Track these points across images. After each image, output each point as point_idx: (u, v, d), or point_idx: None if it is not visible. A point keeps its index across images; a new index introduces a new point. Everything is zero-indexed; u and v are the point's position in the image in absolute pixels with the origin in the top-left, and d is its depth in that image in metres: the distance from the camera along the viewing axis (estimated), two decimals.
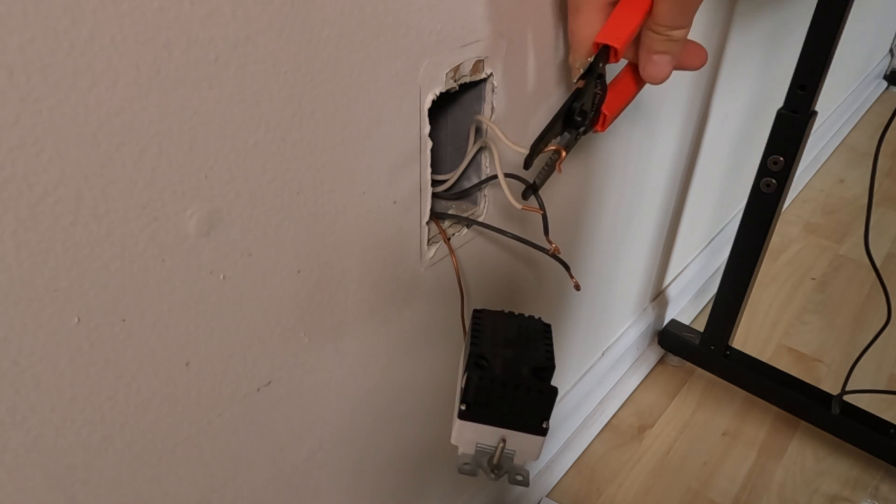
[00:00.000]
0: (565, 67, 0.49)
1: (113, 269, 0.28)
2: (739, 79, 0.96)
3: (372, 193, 0.39)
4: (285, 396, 0.41)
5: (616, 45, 0.37)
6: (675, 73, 0.41)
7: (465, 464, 0.38)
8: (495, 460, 0.37)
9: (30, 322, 0.27)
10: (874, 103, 2.02)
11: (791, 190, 1.27)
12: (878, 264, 0.82)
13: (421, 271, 0.47)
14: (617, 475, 0.93)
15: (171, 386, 0.34)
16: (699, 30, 0.75)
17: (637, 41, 0.39)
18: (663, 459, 0.95)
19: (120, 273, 0.29)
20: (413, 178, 0.42)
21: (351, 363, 0.46)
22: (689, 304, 1.18)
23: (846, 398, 0.92)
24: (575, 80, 0.39)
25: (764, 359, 1.03)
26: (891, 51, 2.10)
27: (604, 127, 0.42)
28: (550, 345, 0.38)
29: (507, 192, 0.41)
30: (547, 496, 0.89)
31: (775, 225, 0.88)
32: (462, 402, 0.36)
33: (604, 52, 0.38)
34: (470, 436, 0.37)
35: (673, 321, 1.10)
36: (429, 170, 0.43)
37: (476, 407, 0.36)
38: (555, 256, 0.43)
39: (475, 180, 0.48)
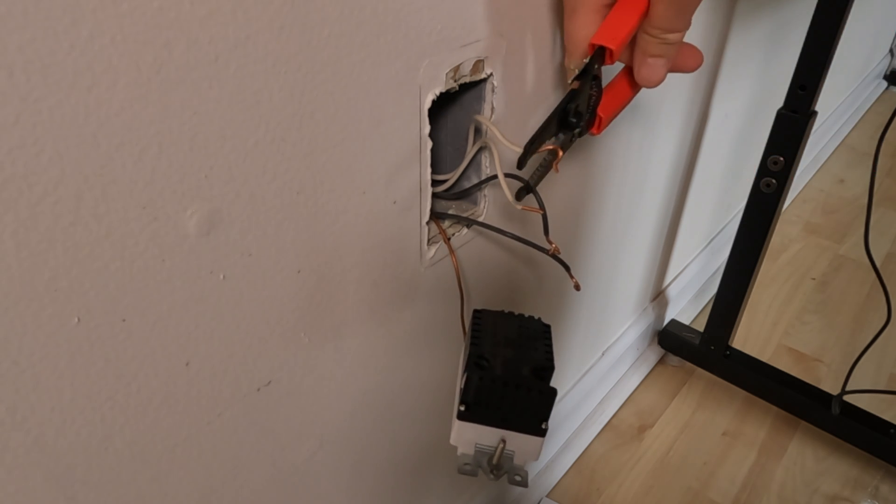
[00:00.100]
0: (564, 68, 0.49)
1: (113, 269, 0.28)
2: (739, 79, 0.96)
3: (372, 193, 0.39)
4: (285, 396, 0.41)
5: (611, 47, 0.37)
6: (674, 73, 0.41)
7: (465, 464, 0.38)
8: (495, 461, 0.37)
9: (30, 322, 0.27)
10: (874, 103, 2.02)
11: (791, 190, 1.27)
12: (878, 264, 0.82)
13: (421, 271, 0.47)
14: (617, 475, 0.93)
15: (171, 386, 0.34)
16: (699, 30, 0.75)
17: (633, 44, 0.39)
18: (663, 459, 0.95)
19: (120, 273, 0.29)
20: (413, 178, 0.42)
21: (351, 363, 0.46)
22: (689, 304, 1.18)
23: (846, 398, 0.92)
24: (570, 81, 0.39)
25: (764, 359, 1.03)
26: (891, 51, 2.10)
27: (599, 130, 0.42)
28: (550, 345, 0.38)
29: (507, 192, 0.41)
30: (547, 496, 0.89)
31: (775, 225, 0.88)
32: (462, 402, 0.36)
33: (599, 54, 0.38)
34: (469, 436, 0.37)
35: (673, 321, 1.10)
36: (429, 170, 0.43)
37: (475, 407, 0.36)
38: (555, 257, 0.43)
39: (475, 180, 0.48)
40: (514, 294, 0.63)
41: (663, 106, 0.77)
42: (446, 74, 0.40)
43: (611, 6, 0.38)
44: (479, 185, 0.47)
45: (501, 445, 0.37)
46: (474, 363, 0.36)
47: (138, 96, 0.26)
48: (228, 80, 0.29)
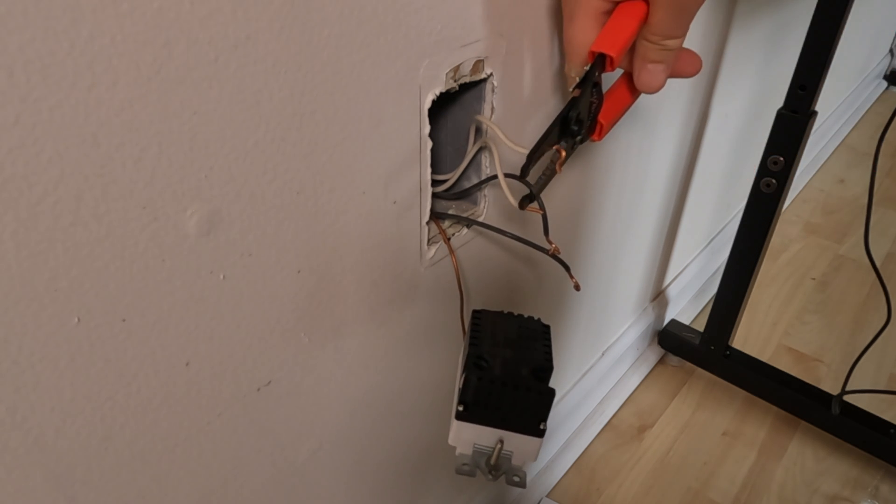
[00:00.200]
0: (564, 74, 0.49)
1: (113, 269, 0.28)
2: (739, 79, 0.96)
3: (372, 193, 0.39)
4: (285, 396, 0.41)
5: (612, 54, 0.37)
6: (673, 79, 0.41)
7: (463, 464, 0.38)
8: (493, 461, 0.37)
9: (30, 322, 0.27)
10: (874, 103, 2.01)
11: (791, 190, 1.27)
12: (878, 264, 0.82)
13: (421, 271, 0.47)
14: (617, 475, 0.93)
15: (171, 386, 0.34)
16: (699, 30, 0.75)
17: (632, 50, 0.39)
18: (663, 459, 0.95)
19: (120, 273, 0.29)
20: (413, 178, 0.42)
21: (351, 363, 0.46)
22: (689, 304, 1.18)
23: (846, 398, 0.92)
24: (571, 89, 0.39)
25: (764, 359, 1.03)
26: (891, 51, 2.10)
27: (600, 136, 0.42)
28: (549, 346, 0.38)
29: (507, 192, 0.41)
30: (547, 496, 0.89)
31: (775, 225, 0.88)
32: (460, 402, 0.36)
33: (599, 61, 0.38)
34: (468, 436, 0.37)
35: (673, 321, 1.10)
36: (429, 170, 0.43)
37: (474, 408, 0.36)
38: (555, 257, 0.43)
39: (475, 180, 0.48)
40: (514, 294, 0.63)
41: (663, 106, 0.77)
42: (446, 74, 0.40)
43: (609, 13, 0.38)
44: (479, 185, 0.47)
45: (499, 446, 0.37)
46: (473, 363, 0.36)
47: (138, 96, 0.26)
48: (228, 80, 0.29)
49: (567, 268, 0.45)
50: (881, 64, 2.07)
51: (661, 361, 1.11)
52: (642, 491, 0.91)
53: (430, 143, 0.41)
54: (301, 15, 0.30)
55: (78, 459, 0.31)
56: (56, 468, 0.31)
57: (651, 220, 0.91)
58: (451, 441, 0.38)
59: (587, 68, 0.38)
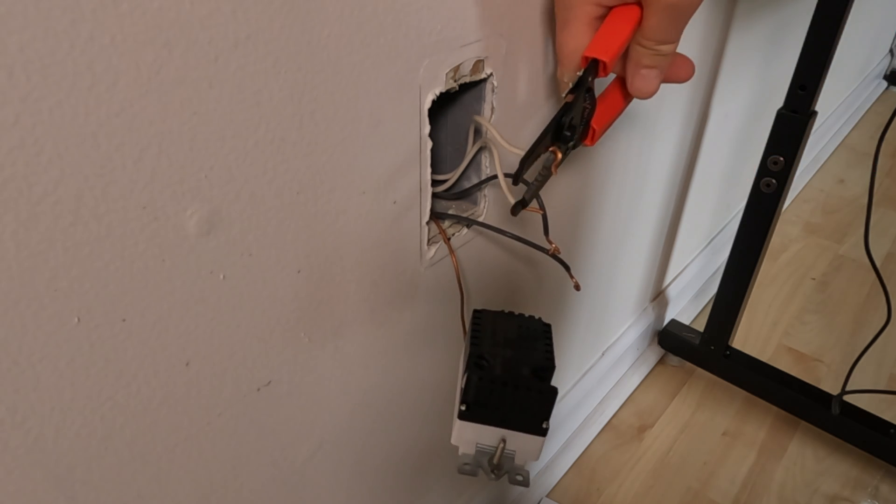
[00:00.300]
0: (557, 79, 0.49)
1: (113, 269, 0.28)
2: (739, 79, 0.96)
3: (372, 193, 0.39)
4: (285, 396, 0.41)
5: (605, 60, 0.37)
6: (666, 83, 0.41)
7: (466, 464, 0.38)
8: (495, 460, 0.37)
9: (30, 322, 0.27)
10: (874, 103, 2.01)
11: (791, 190, 1.27)
12: (878, 264, 0.82)
13: (421, 271, 0.47)
14: (617, 475, 0.93)
15: (171, 386, 0.34)
16: (699, 31, 0.75)
17: (625, 55, 0.39)
18: (663, 459, 0.95)
19: (120, 273, 0.29)
20: (413, 178, 0.42)
21: (351, 363, 0.46)
22: (689, 304, 1.18)
23: (846, 398, 0.92)
24: (564, 95, 0.39)
25: (764, 359, 1.03)
26: (891, 51, 2.10)
27: (593, 141, 0.42)
28: (550, 345, 0.38)
29: (507, 192, 0.41)
30: (547, 496, 0.89)
31: (775, 225, 0.88)
32: (462, 402, 0.36)
33: (593, 67, 0.38)
34: (470, 436, 0.37)
35: (673, 321, 1.10)
36: (429, 170, 0.43)
37: (476, 407, 0.36)
38: (555, 257, 0.43)
39: (475, 180, 0.48)
40: (514, 294, 0.63)
41: (663, 106, 0.77)
42: (446, 74, 0.40)
43: (603, 18, 0.38)
44: (479, 185, 0.47)
45: (502, 445, 0.37)
46: (474, 363, 0.36)
47: (138, 96, 0.26)
48: (228, 80, 0.29)
49: (567, 268, 0.45)
50: (881, 64, 2.07)
51: (661, 361, 1.11)
52: (642, 491, 0.91)
53: (430, 143, 0.41)
54: (301, 15, 0.30)
55: (78, 459, 0.31)
56: (56, 468, 0.31)
57: (651, 220, 0.91)
58: (453, 441, 0.38)
59: (580, 74, 0.38)
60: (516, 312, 0.41)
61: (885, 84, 2.09)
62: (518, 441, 0.37)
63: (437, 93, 0.40)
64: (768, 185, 0.83)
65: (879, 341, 0.85)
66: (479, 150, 0.46)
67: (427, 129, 0.41)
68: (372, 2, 0.33)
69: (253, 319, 0.36)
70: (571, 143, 0.40)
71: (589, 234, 0.73)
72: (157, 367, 0.33)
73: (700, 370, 1.07)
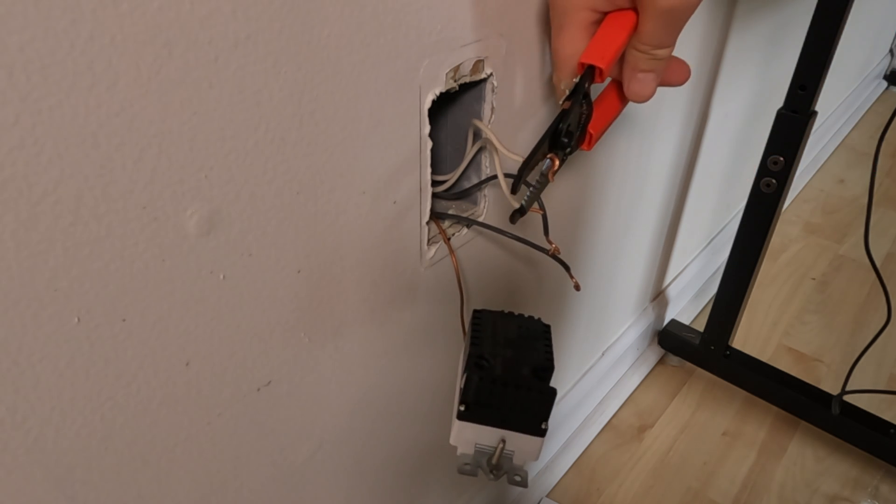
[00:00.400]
0: (553, 85, 0.49)
1: (113, 269, 0.28)
2: (739, 79, 0.96)
3: (372, 193, 0.39)
4: (285, 396, 0.41)
5: (601, 66, 0.37)
6: (662, 87, 0.41)
7: (465, 464, 0.38)
8: (494, 461, 0.37)
9: (30, 322, 0.27)
10: (874, 103, 2.02)
11: (791, 190, 1.27)
12: (878, 264, 0.82)
13: (421, 271, 0.47)
14: (617, 475, 0.93)
15: (171, 386, 0.34)
16: (699, 31, 0.75)
17: (621, 59, 0.39)
18: (663, 459, 0.95)
19: (120, 273, 0.29)
20: (413, 178, 0.42)
21: (351, 363, 0.46)
22: (689, 304, 1.18)
23: (846, 398, 0.92)
24: (561, 102, 0.39)
25: (764, 359, 1.03)
26: (891, 51, 2.10)
27: (590, 146, 0.42)
28: (550, 345, 0.38)
29: (507, 192, 0.41)
30: (547, 496, 0.89)
31: (775, 225, 0.88)
32: (461, 402, 0.36)
33: (589, 73, 0.38)
34: (469, 436, 0.37)
35: (673, 321, 1.10)
36: (429, 170, 0.43)
37: (475, 407, 0.36)
38: (555, 257, 0.43)
39: (475, 180, 0.48)
40: (514, 294, 0.63)
41: (663, 107, 0.77)
42: (446, 74, 0.40)
43: (598, 23, 0.38)
44: (479, 185, 0.47)
45: (501, 445, 0.37)
46: (474, 363, 0.36)
47: (138, 96, 0.26)
48: (228, 80, 0.29)
49: (567, 268, 0.45)
50: (881, 64, 2.07)
51: (661, 361, 1.11)
52: (642, 491, 0.91)
53: (430, 143, 0.41)
54: (301, 15, 0.30)
55: (78, 459, 0.31)
56: (56, 468, 0.31)
57: (651, 220, 0.91)
58: (452, 441, 0.38)
59: (576, 80, 0.38)
60: (516, 312, 0.41)
61: (885, 84, 2.09)
62: (517, 441, 0.37)
63: (437, 93, 0.40)
64: (768, 185, 0.83)
65: (879, 341, 0.85)
66: (479, 150, 0.46)
67: (427, 129, 0.41)
68: (372, 2, 0.33)
69: (253, 319, 0.36)
70: (568, 150, 0.40)
71: (589, 235, 0.73)
72: (157, 367, 0.33)
73: (700, 370, 1.07)
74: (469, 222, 0.49)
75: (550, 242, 0.42)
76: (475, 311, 0.40)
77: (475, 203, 0.50)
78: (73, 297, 0.28)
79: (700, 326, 1.04)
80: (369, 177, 0.39)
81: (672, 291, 1.13)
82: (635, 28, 0.37)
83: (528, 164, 0.37)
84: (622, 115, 0.45)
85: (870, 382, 1.07)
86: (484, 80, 0.43)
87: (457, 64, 0.40)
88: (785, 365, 1.07)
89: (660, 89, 0.41)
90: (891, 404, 1.02)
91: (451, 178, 0.46)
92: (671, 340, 1.08)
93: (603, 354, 0.98)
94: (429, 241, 0.46)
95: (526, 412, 0.36)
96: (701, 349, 1.03)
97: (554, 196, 0.61)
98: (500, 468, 0.38)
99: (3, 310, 0.26)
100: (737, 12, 0.83)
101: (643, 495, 0.91)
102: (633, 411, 1.02)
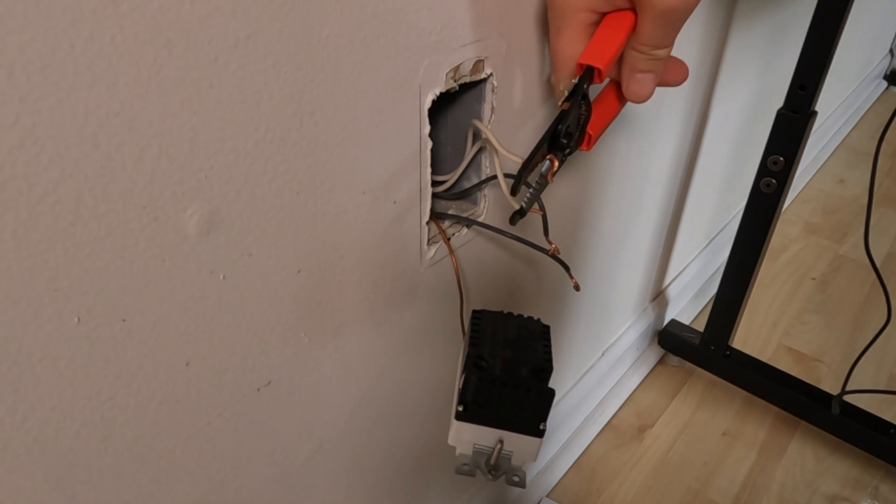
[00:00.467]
0: (552, 85, 0.49)
1: (113, 269, 0.28)
2: (739, 79, 0.96)
3: (372, 193, 0.39)
4: (285, 396, 0.41)
5: (600, 67, 0.37)
6: (660, 87, 0.41)
7: (463, 464, 0.38)
8: (492, 461, 0.37)
9: (30, 322, 0.27)
10: (874, 103, 2.02)
11: (791, 190, 1.27)
12: (878, 264, 0.82)
13: (421, 271, 0.47)
14: (617, 475, 0.93)
15: (171, 386, 0.34)
16: (699, 31, 0.75)
17: (620, 60, 0.39)
18: (663, 459, 0.95)
19: (120, 273, 0.29)
20: (413, 179, 0.42)
21: (351, 363, 0.46)
22: (689, 304, 1.18)
23: (846, 398, 0.92)
24: (560, 103, 0.39)
25: (764, 359, 1.03)
26: (891, 51, 2.10)
27: (589, 146, 0.42)
28: (549, 346, 0.38)
29: (507, 193, 0.41)
30: (547, 496, 0.89)
31: (775, 225, 0.88)
32: (460, 402, 0.36)
33: (588, 74, 0.38)
34: (467, 437, 0.37)
35: (673, 321, 1.10)
36: (429, 170, 0.43)
37: (474, 408, 0.36)
38: (554, 257, 0.43)
39: (475, 180, 0.48)
40: (514, 294, 0.63)
41: (663, 107, 0.77)
42: (446, 74, 0.40)
43: (597, 24, 0.38)
44: (479, 185, 0.47)
45: (499, 446, 0.37)
46: (473, 364, 0.36)
47: (138, 96, 0.26)
48: (228, 80, 0.29)
49: (567, 268, 0.45)
50: (881, 64, 2.07)
51: (661, 361, 1.11)
52: (642, 491, 0.91)
53: (430, 143, 0.41)
54: (301, 15, 0.30)
55: (78, 459, 0.31)
56: (56, 468, 0.31)
57: (651, 220, 0.91)
58: (450, 441, 0.38)
59: (575, 81, 0.38)
60: (516, 313, 0.41)
61: (885, 84, 2.09)
62: (515, 442, 0.37)
63: (437, 93, 0.40)
64: (768, 185, 0.83)
65: (879, 341, 0.85)
66: (479, 150, 0.46)
67: (427, 129, 0.41)
68: (372, 2, 0.33)
69: (253, 319, 0.36)
70: (568, 151, 0.40)
71: (589, 235, 0.73)
72: (157, 367, 0.33)
73: (700, 370, 1.07)
74: (469, 222, 0.49)
75: (550, 243, 0.42)
76: (475, 312, 0.40)
77: (475, 203, 0.50)
78: (73, 297, 0.28)
79: (700, 326, 1.04)
80: (369, 177, 0.39)
81: (672, 291, 1.13)
82: (634, 29, 0.37)
83: (528, 165, 0.38)
84: (622, 116, 0.45)
85: (870, 382, 1.07)
86: (484, 80, 0.43)
87: (457, 64, 0.40)
88: (785, 365, 1.07)
89: (659, 89, 0.41)
90: (891, 404, 1.02)
91: (451, 178, 0.46)
92: (671, 340, 1.08)
93: (603, 354, 0.98)
94: (429, 241, 0.46)
95: (524, 413, 0.36)
96: (701, 349, 1.03)
97: (554, 196, 0.61)
98: (498, 469, 0.38)
99: (3, 310, 0.26)
100: (737, 12, 0.83)
101: (643, 495, 0.91)
102: (633, 411, 1.02)
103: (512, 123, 0.48)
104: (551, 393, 0.36)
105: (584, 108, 0.40)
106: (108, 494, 0.34)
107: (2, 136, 0.23)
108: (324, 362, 0.43)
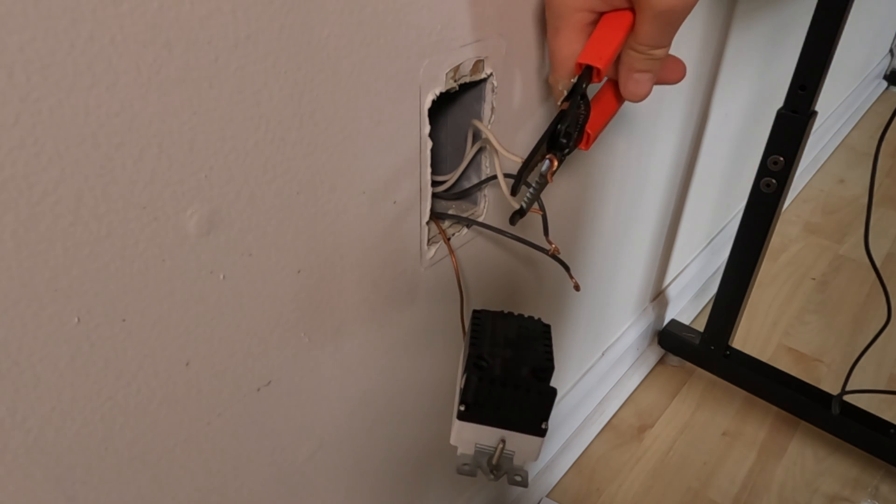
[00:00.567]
0: (550, 85, 0.49)
1: (113, 269, 0.28)
2: (739, 79, 0.96)
3: (372, 193, 0.39)
4: (285, 396, 0.41)
5: (599, 66, 0.37)
6: (658, 86, 0.41)
7: (465, 464, 0.38)
8: (494, 461, 0.37)
9: (30, 322, 0.27)
10: (874, 103, 2.02)
11: (791, 190, 1.27)
12: (878, 264, 0.82)
13: (421, 271, 0.47)
14: (617, 475, 0.93)
15: (171, 386, 0.34)
16: (699, 31, 0.75)
17: (617, 59, 0.39)
18: (663, 459, 0.95)
19: (120, 273, 0.29)
20: (413, 179, 0.42)
21: (351, 363, 0.46)
22: (689, 304, 1.18)
23: (846, 398, 0.92)
24: (559, 103, 0.39)
25: (764, 359, 1.03)
26: (891, 51, 2.10)
27: (588, 146, 0.42)
28: (550, 345, 0.38)
29: (507, 193, 0.41)
30: (547, 496, 0.89)
31: (775, 225, 0.88)
32: (461, 402, 0.36)
33: (587, 73, 0.38)
34: (469, 436, 0.37)
35: (673, 321, 1.10)
36: (429, 170, 0.43)
37: (475, 407, 0.36)
38: (554, 257, 0.43)
39: (475, 180, 0.48)
40: (514, 294, 0.63)
41: (663, 106, 0.77)
42: (446, 74, 0.40)
43: (594, 24, 0.38)
44: (479, 185, 0.47)
45: (501, 445, 0.37)
46: (474, 363, 0.36)
47: (138, 96, 0.26)
48: (228, 80, 0.29)
49: (567, 268, 0.45)
50: (881, 64, 2.07)
51: (661, 361, 1.11)
52: (642, 491, 0.91)
53: (430, 143, 0.41)
54: (301, 15, 0.30)
55: (78, 459, 0.31)
56: (56, 468, 0.31)
57: (651, 220, 0.91)
58: (452, 441, 0.38)
59: (574, 80, 0.38)
60: (516, 313, 0.41)
61: (885, 84, 2.09)
62: (517, 441, 0.37)
63: (437, 93, 0.40)
64: (768, 185, 0.83)
65: (879, 341, 0.85)
66: (479, 150, 0.46)
67: (427, 129, 0.41)
68: (372, 2, 0.33)
69: (253, 319, 0.36)
70: (567, 150, 0.40)
71: (589, 235, 0.73)
72: (157, 367, 0.33)
73: (700, 370, 1.07)
74: (469, 222, 0.49)
75: (550, 242, 0.42)
76: (475, 312, 0.40)
77: (475, 203, 0.50)
78: (73, 297, 0.28)
79: (700, 326, 1.04)
80: (369, 177, 0.39)
81: (672, 291, 1.13)
82: (632, 29, 0.37)
83: (528, 165, 0.38)
84: (622, 116, 0.45)
85: (870, 382, 1.07)
86: (484, 80, 0.43)
87: (457, 64, 0.40)
88: (785, 365, 1.07)
89: (659, 88, 0.41)
90: (891, 404, 1.02)
91: (451, 178, 0.46)
92: (671, 340, 1.08)
93: (603, 354, 0.98)
94: (429, 241, 0.46)
95: (526, 412, 0.36)
96: (701, 349, 1.03)
97: (554, 196, 0.61)
98: (500, 468, 0.38)
99: (3, 310, 0.26)
100: (737, 12, 0.83)
101: (643, 495, 0.91)
102: (633, 411, 1.02)
103: (512, 123, 0.48)
104: (553, 392, 0.36)
105: (583, 108, 0.40)
106: (108, 494, 0.34)
107: (2, 136, 0.23)
108: (324, 362, 0.43)
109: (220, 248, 0.32)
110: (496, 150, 0.42)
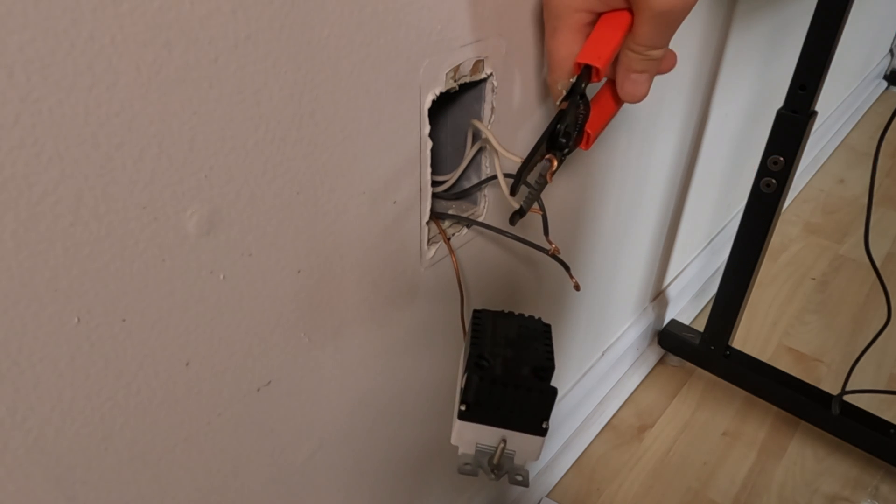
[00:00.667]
0: (549, 86, 0.49)
1: (113, 269, 0.28)
2: (739, 79, 0.96)
3: (372, 193, 0.39)
4: (285, 396, 0.41)
5: (598, 66, 0.37)
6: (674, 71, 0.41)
7: (466, 464, 0.38)
8: (495, 460, 0.37)
9: (30, 322, 0.27)
10: (874, 103, 2.02)
11: (791, 190, 1.27)
12: (878, 264, 0.82)
13: (421, 271, 0.47)
14: (617, 475, 0.93)
15: (171, 386, 0.34)
16: (699, 31, 0.75)
17: (615, 60, 0.39)
18: (663, 459, 0.95)
19: (120, 273, 0.29)
20: (413, 179, 0.42)
21: (351, 363, 0.46)
22: (689, 304, 1.18)
23: (846, 398, 0.92)
24: (558, 103, 0.39)
25: (764, 359, 1.03)
26: (891, 51, 2.10)
27: (588, 145, 0.42)
28: (550, 345, 0.38)
29: (507, 193, 0.41)
30: (547, 496, 0.89)
31: (775, 225, 0.88)
32: (462, 402, 0.36)
33: (586, 73, 0.38)
34: (470, 436, 0.37)
35: (673, 321, 1.10)
36: (429, 170, 0.43)
37: (476, 407, 0.36)
38: (555, 257, 0.43)
39: (475, 180, 0.48)
40: (514, 294, 0.63)
41: (663, 106, 0.77)
42: (446, 74, 0.40)
43: (592, 24, 0.38)
44: (479, 185, 0.47)
45: (502, 445, 0.37)
46: (474, 363, 0.36)
47: (138, 96, 0.26)
48: (228, 80, 0.29)
49: (567, 268, 0.45)
50: (881, 64, 2.07)
51: (661, 361, 1.11)
52: (642, 491, 0.91)
53: (430, 143, 0.41)
54: (301, 15, 0.30)
55: (78, 459, 0.31)
56: (56, 468, 0.31)
57: (651, 220, 0.91)
58: (453, 441, 0.38)
59: (573, 80, 0.39)
60: (516, 312, 0.41)
61: (885, 84, 2.09)
62: (518, 441, 0.37)
63: (437, 93, 0.40)
64: (768, 185, 0.83)
65: (879, 341, 0.85)
66: (479, 150, 0.46)
67: (427, 129, 0.41)
68: (372, 2, 0.33)
69: (253, 319, 0.36)
70: (567, 150, 0.40)
71: (589, 235, 0.73)
72: (157, 367, 0.33)
73: (700, 370, 1.07)
74: (469, 222, 0.49)
75: (550, 242, 0.42)
76: (475, 311, 0.40)
77: (475, 203, 0.50)
78: (73, 297, 0.28)
79: (700, 326, 1.04)
80: (369, 177, 0.39)
81: (672, 291, 1.13)
82: (630, 29, 0.37)
83: (527, 165, 0.38)
84: (622, 115, 0.45)
85: (870, 382, 1.07)
86: (484, 80, 0.43)
87: (457, 64, 0.40)
88: (785, 365, 1.07)
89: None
90: (891, 404, 1.02)
91: (451, 178, 0.46)
92: (671, 340, 1.08)
93: (603, 354, 0.98)
94: (429, 241, 0.46)
95: (526, 412, 0.36)
96: (701, 349, 1.03)
97: (554, 196, 0.61)
98: (501, 468, 0.38)
99: (3, 310, 0.26)
100: (737, 12, 0.83)
101: (643, 495, 0.91)
102: (633, 411, 1.02)
103: (512, 123, 0.48)
104: (553, 391, 0.36)
105: (582, 108, 0.40)
106: (108, 494, 0.34)
107: (2, 136, 0.23)
108: (324, 362, 0.43)
109: (220, 248, 0.32)
110: (496, 150, 0.42)
